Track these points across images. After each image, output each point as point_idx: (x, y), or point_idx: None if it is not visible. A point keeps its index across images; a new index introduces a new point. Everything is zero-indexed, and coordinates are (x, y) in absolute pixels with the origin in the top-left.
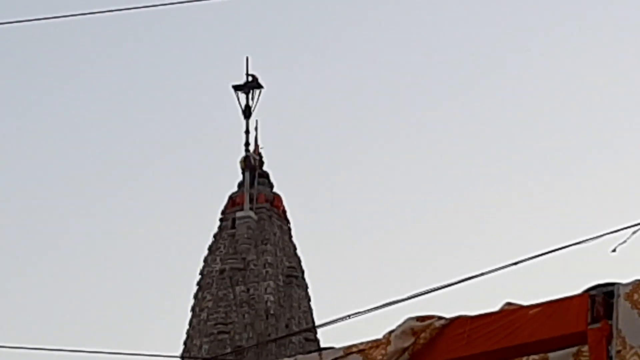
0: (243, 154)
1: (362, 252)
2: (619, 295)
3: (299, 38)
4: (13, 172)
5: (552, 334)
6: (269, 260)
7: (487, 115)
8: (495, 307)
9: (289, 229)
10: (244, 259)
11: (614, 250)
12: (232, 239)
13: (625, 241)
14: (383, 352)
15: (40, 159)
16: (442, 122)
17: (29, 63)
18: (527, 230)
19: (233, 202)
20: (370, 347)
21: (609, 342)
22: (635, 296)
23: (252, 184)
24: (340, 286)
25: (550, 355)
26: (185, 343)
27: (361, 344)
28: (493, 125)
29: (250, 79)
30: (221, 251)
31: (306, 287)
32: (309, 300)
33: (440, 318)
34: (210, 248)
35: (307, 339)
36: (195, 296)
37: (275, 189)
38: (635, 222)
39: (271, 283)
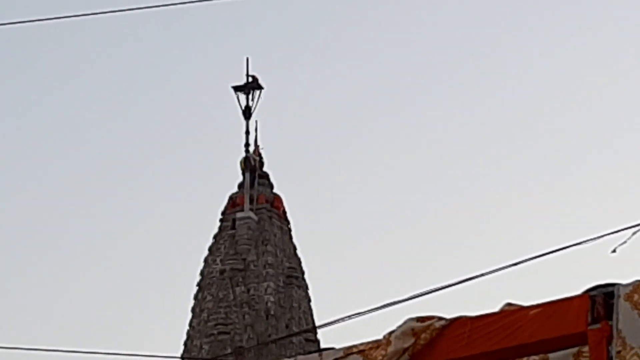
0: (243, 154)
1: (362, 252)
2: (619, 296)
3: (299, 39)
4: (13, 172)
5: (552, 335)
6: (269, 261)
7: (487, 115)
8: (496, 308)
9: (289, 229)
10: (244, 259)
11: (614, 251)
12: (232, 240)
13: (625, 242)
14: (383, 352)
15: (40, 159)
16: (442, 122)
17: (29, 63)
18: (527, 230)
19: (233, 202)
20: (371, 348)
21: (609, 343)
22: (636, 297)
23: (252, 185)
24: (340, 287)
25: (551, 355)
26: (185, 344)
27: (361, 344)
28: (493, 125)
29: (250, 79)
30: (221, 252)
31: (306, 287)
32: (309, 300)
33: (440, 319)
34: (210, 249)
35: (307, 340)
36: (196, 297)
37: (275, 190)
38: (636, 223)
39: (271, 284)
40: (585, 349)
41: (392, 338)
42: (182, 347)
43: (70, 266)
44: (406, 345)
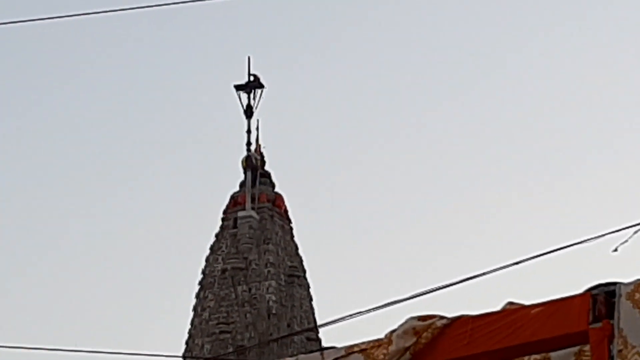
0: (245, 153)
1: (363, 251)
2: (620, 295)
3: (300, 38)
4: (13, 172)
5: (553, 334)
6: (271, 260)
7: (487, 115)
8: (497, 307)
9: (291, 228)
10: (245, 258)
11: (615, 250)
12: (234, 239)
13: (626, 240)
14: (385, 351)
15: (41, 158)
16: (442, 122)
17: (29, 63)
18: (528, 229)
19: (235, 201)
20: (372, 347)
21: (610, 342)
22: (637, 295)
23: (253, 184)
24: (341, 286)
25: (552, 354)
26: (187, 342)
27: (363, 343)
28: (493, 125)
29: (252, 78)
30: (223, 251)
31: (308, 286)
32: (311, 299)
33: (441, 318)
34: (212, 248)
35: (308, 339)
36: (197, 296)
37: (276, 189)
38: (637, 222)
39: (273, 283)
40: (587, 347)
41: (393, 337)
42: (183, 346)
43: (72, 265)
44: (408, 344)
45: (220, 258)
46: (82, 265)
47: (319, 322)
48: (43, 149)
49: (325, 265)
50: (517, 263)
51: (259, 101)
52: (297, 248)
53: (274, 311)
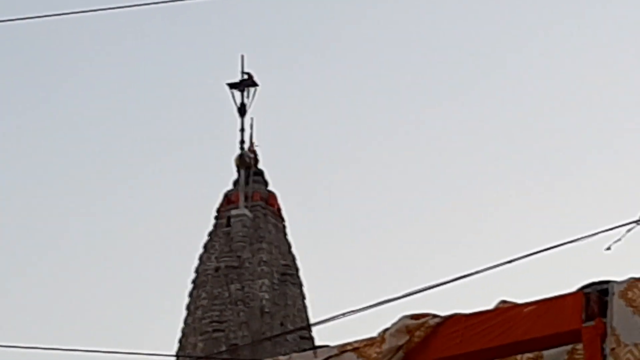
0: (238, 152)
1: (357, 250)
2: (613, 293)
3: (294, 36)
4: (10, 172)
5: (546, 332)
6: (264, 259)
7: (486, 115)
8: (490, 305)
9: (284, 227)
10: (239, 257)
11: (608, 249)
12: (227, 237)
13: (619, 239)
14: (378, 350)
15: (38, 157)
16: (441, 121)
17: (25, 61)
18: (522, 228)
19: (228, 200)
20: (365, 345)
21: (603, 340)
22: (630, 294)
23: (247, 182)
24: (335, 284)
25: (545, 353)
26: (180, 341)
27: (356, 342)
28: (491, 125)
29: (245, 76)
30: (216, 249)
31: (301, 285)
32: (304, 298)
33: (434, 316)
34: (205, 246)
35: (302, 337)
36: (190, 294)
37: (270, 187)
38: (630, 220)
39: (266, 281)
40: (580, 346)
41: (386, 335)
42: (176, 345)
43: (65, 265)
44: (400, 342)
45: (213, 256)
46: (76, 264)
47: (312, 321)
48: (41, 148)
49: (319, 263)
50: (509, 262)
51: (252, 99)
52: (290, 246)
53: (267, 310)
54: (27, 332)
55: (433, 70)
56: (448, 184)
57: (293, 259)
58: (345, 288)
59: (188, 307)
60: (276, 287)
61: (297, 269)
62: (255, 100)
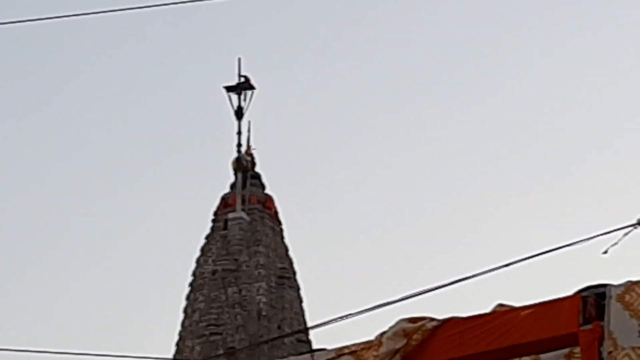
0: (235, 155)
1: (354, 253)
2: (610, 297)
3: (291, 39)
4: (11, 173)
5: (544, 336)
6: (261, 262)
7: (486, 115)
8: (487, 309)
9: (281, 230)
10: (236, 260)
11: (605, 252)
12: (224, 240)
13: (616, 243)
14: (375, 353)
15: (38, 159)
16: (440, 121)
17: (26, 64)
18: (519, 231)
19: (225, 203)
20: (362, 349)
21: (600, 344)
22: (627, 297)
23: (244, 185)
24: (332, 288)
25: (542, 356)
26: (177, 344)
27: (353, 345)
28: (492, 125)
29: (242, 80)
30: (213, 252)
31: (298, 288)
32: (301, 301)
33: (432, 319)
34: (202, 249)
35: (299, 341)
36: (188, 297)
37: (267, 191)
38: (627, 224)
39: (263, 284)
40: (577, 349)
41: (383, 339)
42: (173, 348)
43: (63, 266)
44: (398, 346)
45: (210, 260)
46: (73, 266)
47: (309, 324)
48: (39, 150)
49: (316, 267)
50: (507, 265)
51: (249, 102)
52: (287, 250)
53: (264, 313)
54: (25, 333)
55: (433, 70)
56: (447, 185)
57: (290, 262)
58: (342, 291)
59: (185, 310)
60: (273, 290)
61: (294, 272)
62: (253, 104)
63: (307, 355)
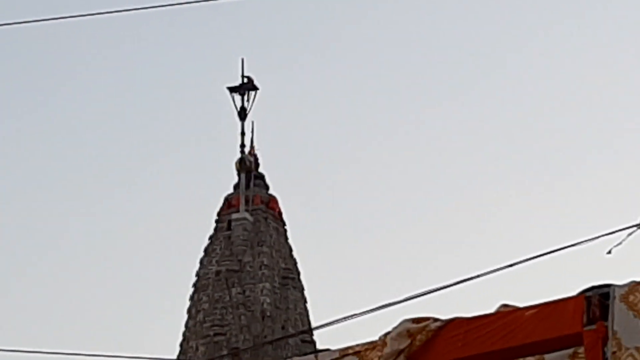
0: (238, 155)
1: (358, 253)
2: (614, 297)
3: (294, 39)
4: (10, 172)
5: (548, 336)
6: (265, 262)
7: (486, 115)
8: (491, 309)
9: (285, 230)
10: (239, 260)
11: (609, 252)
12: (228, 241)
13: (620, 243)
14: (379, 354)
15: (38, 159)
16: (441, 122)
17: (25, 64)
18: (523, 231)
19: (229, 203)
20: (366, 349)
21: (604, 344)
22: (631, 298)
23: (247, 186)
24: (336, 288)
25: (546, 356)
26: (181, 345)
27: (357, 345)
28: (492, 125)
29: (245, 80)
30: (217, 253)
31: (302, 288)
32: (305, 302)
33: (436, 320)
34: (206, 250)
35: (303, 341)
36: (191, 298)
37: (270, 191)
38: (631, 224)
39: (267, 285)
40: (581, 349)
41: (387, 339)
42: (177, 349)
43: (65, 268)
44: (402, 346)
45: (214, 260)
46: (76, 267)
47: (313, 325)
48: (41, 150)
49: (320, 267)
50: (511, 265)
51: (252, 103)
52: (291, 250)
53: (268, 313)
54: (27, 334)
55: (433, 70)
56: (450, 185)
57: (294, 262)
58: (346, 291)
59: (189, 311)
60: (277, 290)
61: (298, 273)
62: (256, 104)
63: (311, 356)
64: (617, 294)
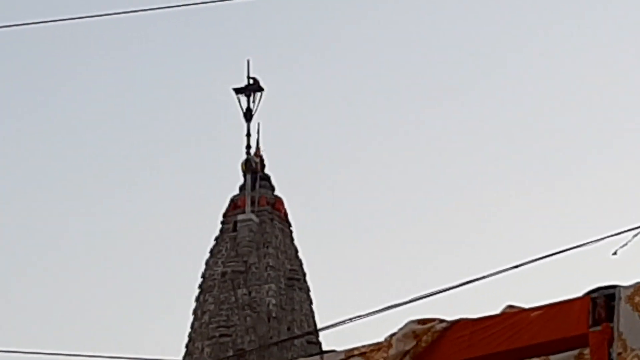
0: (244, 156)
1: (363, 254)
2: (620, 298)
3: (300, 40)
4: (14, 172)
5: (553, 337)
6: (271, 263)
7: (487, 115)
8: (497, 310)
9: (291, 231)
10: (245, 261)
11: (615, 253)
12: (234, 242)
13: (626, 244)
14: (384, 355)
15: (41, 161)
16: (442, 122)
17: (31, 65)
18: (528, 232)
19: (234, 205)
20: (372, 350)
21: (610, 345)
22: (637, 299)
23: (253, 187)
24: (341, 289)
25: (552, 357)
26: (187, 346)
27: (363, 346)
28: (493, 125)
29: (251, 81)
30: (223, 254)
31: (308, 289)
32: (311, 303)
33: (441, 321)
34: (211, 251)
35: (309, 342)
36: (197, 299)
37: (276, 192)
38: (637, 225)
39: (273, 286)
40: (587, 351)
41: (393, 340)
42: (183, 350)
43: (71, 268)
44: (407, 347)
45: (220, 261)
46: (82, 268)
47: (319, 326)
48: (44, 151)
49: (326, 268)
50: (516, 266)
51: (258, 104)
52: (297, 251)
53: (274, 314)
54: (30, 334)
55: (433, 70)
56: (456, 186)
57: (300, 263)
58: (352, 292)
59: (195, 312)
60: (283, 291)
61: (304, 274)
62: (262, 105)
63: (317, 357)
64: (622, 295)
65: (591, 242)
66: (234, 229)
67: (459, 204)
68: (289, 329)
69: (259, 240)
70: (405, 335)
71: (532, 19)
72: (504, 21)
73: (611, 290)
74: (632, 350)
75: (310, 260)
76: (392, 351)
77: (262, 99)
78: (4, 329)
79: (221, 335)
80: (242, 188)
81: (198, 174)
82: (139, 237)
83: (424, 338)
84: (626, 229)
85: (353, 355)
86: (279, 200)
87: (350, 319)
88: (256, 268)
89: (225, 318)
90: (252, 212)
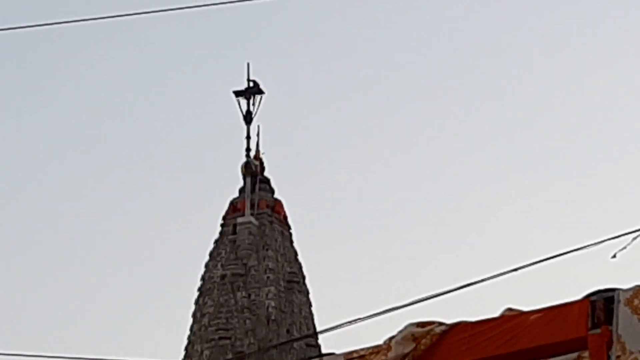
0: (244, 159)
1: (363, 257)
2: (619, 301)
3: (300, 43)
4: (14, 172)
5: (552, 340)
6: (270, 266)
7: (486, 115)
8: (496, 313)
9: (290, 234)
10: (245, 264)
11: (614, 256)
12: (233, 245)
13: (625, 247)
14: (384, 357)
15: (41, 162)
16: (441, 122)
17: (33, 65)
18: (527, 234)
19: (234, 207)
20: (371, 353)
21: (609, 348)
22: (636, 302)
23: (253, 190)
24: (341, 292)
25: None
26: (186, 349)
27: (362, 349)
28: (493, 125)
29: (251, 84)
30: (222, 257)
31: (307, 292)
32: (310, 306)
33: (440, 324)
34: (211, 254)
35: (308, 345)
36: (196, 302)
37: (276, 195)
38: (636, 228)
39: (272, 289)
40: (586, 353)
41: (392, 343)
42: (182, 353)
43: (71, 270)
44: (406, 350)
45: (219, 264)
46: (81, 271)
47: (318, 329)
48: (44, 153)
49: (325, 271)
50: (515, 269)
51: (258, 107)
52: (296, 254)
53: (273, 317)
54: (29, 337)
55: (433, 70)
56: (453, 186)
57: (299, 266)
58: (351, 296)
59: (194, 315)
60: (282, 294)
61: (303, 277)
62: (261, 108)
63: None
64: (621, 298)
65: (590, 245)
66: (234, 232)
67: (459, 204)
68: (288, 331)
69: (259, 243)
70: (405, 338)
71: (532, 19)
72: (504, 21)
73: (610, 293)
74: (631, 353)
75: (310, 263)
76: (391, 354)
77: (262, 102)
78: (3, 331)
79: (220, 338)
80: (241, 191)
81: (198, 176)
82: (139, 239)
83: (423, 341)
84: (625, 232)
85: (352, 358)
86: (278, 203)
87: (350, 322)
88: (256, 271)
89: (224, 321)
90: (252, 214)
